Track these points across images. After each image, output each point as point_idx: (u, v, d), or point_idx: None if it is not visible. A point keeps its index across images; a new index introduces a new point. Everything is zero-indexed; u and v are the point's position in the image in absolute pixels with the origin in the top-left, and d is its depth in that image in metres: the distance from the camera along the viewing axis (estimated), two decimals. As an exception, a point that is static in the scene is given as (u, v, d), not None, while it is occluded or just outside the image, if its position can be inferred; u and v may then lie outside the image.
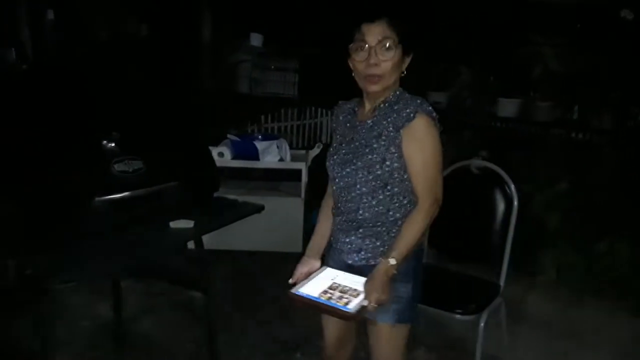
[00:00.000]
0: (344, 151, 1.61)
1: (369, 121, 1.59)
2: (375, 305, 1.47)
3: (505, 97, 4.62)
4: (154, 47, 5.28)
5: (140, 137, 1.74)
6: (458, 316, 2.22)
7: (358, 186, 1.57)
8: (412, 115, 1.50)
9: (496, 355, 2.63)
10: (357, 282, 1.58)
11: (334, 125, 1.73)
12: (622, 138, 3.91)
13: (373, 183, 1.55)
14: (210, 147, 3.54)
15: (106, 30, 5.40)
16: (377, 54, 1.49)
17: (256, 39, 5.54)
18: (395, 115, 1.53)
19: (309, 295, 1.53)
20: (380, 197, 1.57)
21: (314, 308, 1.55)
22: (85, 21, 5.17)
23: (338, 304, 1.47)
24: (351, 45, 1.53)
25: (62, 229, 1.45)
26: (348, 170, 1.58)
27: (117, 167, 1.60)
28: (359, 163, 1.55)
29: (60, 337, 2.55)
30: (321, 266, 1.71)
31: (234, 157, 3.56)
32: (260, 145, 3.54)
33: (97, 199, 1.53)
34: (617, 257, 3.31)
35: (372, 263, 1.63)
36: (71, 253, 1.42)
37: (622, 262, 3.27)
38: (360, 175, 1.55)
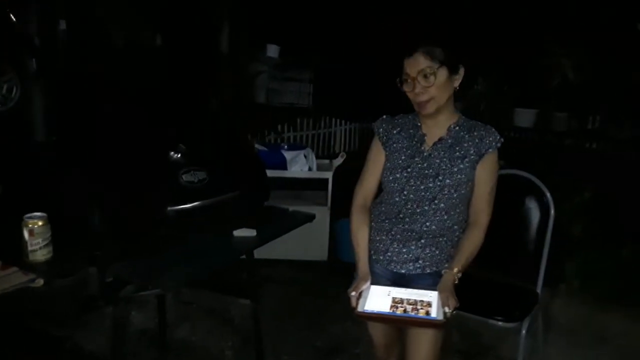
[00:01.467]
0: (420, 165, 1.66)
1: (448, 140, 1.67)
2: (454, 312, 1.53)
3: (522, 107, 4.69)
4: (175, 59, 5.34)
5: (202, 149, 1.79)
6: (500, 323, 2.25)
7: (436, 201, 1.64)
8: (494, 144, 1.66)
9: (530, 362, 2.68)
10: (416, 293, 1.60)
11: (385, 138, 1.75)
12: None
13: (454, 200, 1.65)
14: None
15: (123, 42, 5.47)
16: (420, 83, 1.59)
17: (273, 51, 5.62)
18: (477, 140, 1.65)
19: (383, 312, 1.54)
20: (452, 213, 1.67)
21: (392, 322, 1.64)
22: (105, 32, 5.23)
23: (420, 314, 1.51)
24: (398, 79, 1.64)
25: (140, 238, 1.50)
26: (431, 185, 1.64)
27: (185, 177, 1.65)
28: (447, 180, 1.63)
29: (103, 345, 2.60)
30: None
31: (262, 167, 3.60)
32: (288, 155, 3.59)
33: (169, 208, 1.58)
34: (640, 265, 3.37)
35: (428, 271, 1.71)
36: (149, 261, 1.47)
37: (645, 270, 3.33)
38: (446, 191, 1.63)
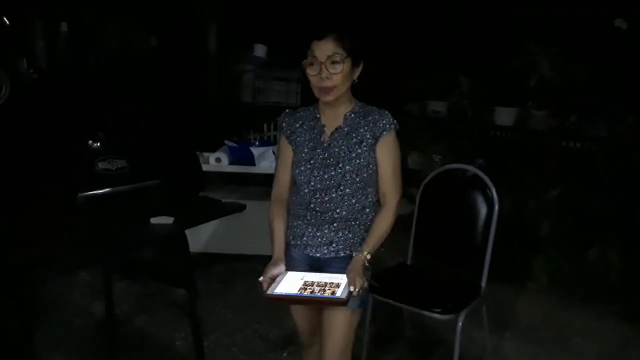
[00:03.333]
0: (321, 156, 1.71)
1: (344, 128, 1.71)
2: (360, 291, 1.56)
3: (502, 106, 4.67)
4: (161, 57, 5.44)
5: (126, 138, 1.84)
6: (437, 315, 2.26)
7: (342, 187, 1.69)
8: (388, 126, 1.71)
9: (480, 356, 2.67)
10: (328, 277, 1.65)
11: (288, 132, 1.78)
12: (617, 146, 3.93)
13: (358, 185, 1.69)
14: (209, 153, 3.66)
15: (114, 41, 5.59)
16: (328, 68, 1.61)
17: (260, 50, 5.67)
18: (372, 125, 1.70)
19: (290, 294, 1.58)
20: (360, 196, 1.71)
21: (299, 302, 1.68)
22: (94, 33, 5.36)
23: (325, 294, 1.55)
24: (304, 61, 1.65)
25: (47, 222, 1.55)
26: (333, 173, 1.69)
27: (101, 165, 1.71)
28: (347, 167, 1.68)
29: (56, 334, 2.66)
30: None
31: (231, 163, 3.65)
32: (256, 151, 3.63)
33: (80, 194, 1.63)
34: (608, 264, 3.33)
35: (342, 255, 1.75)
36: (54, 245, 1.52)
37: (612, 269, 3.29)
38: (348, 177, 1.68)
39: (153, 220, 1.77)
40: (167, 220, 1.79)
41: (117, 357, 2.58)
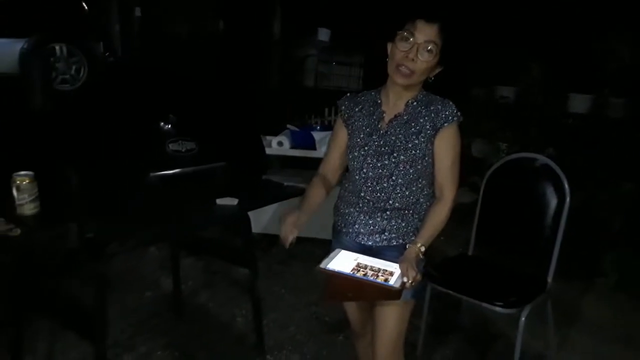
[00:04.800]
0: (377, 143, 1.66)
1: (404, 116, 1.66)
2: (414, 283, 1.52)
3: (577, 92, 4.44)
4: (227, 42, 5.55)
5: (196, 121, 1.91)
6: (498, 309, 2.20)
7: (394, 177, 1.64)
8: (450, 118, 1.63)
9: (542, 353, 2.59)
10: (383, 263, 1.60)
11: (346, 116, 1.74)
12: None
13: (411, 176, 1.64)
14: (271, 137, 3.72)
15: (184, 26, 5.77)
16: (418, 52, 1.55)
17: (324, 34, 5.67)
18: (433, 115, 1.63)
19: (343, 272, 1.54)
20: (413, 188, 1.66)
21: (351, 284, 1.56)
22: (165, 17, 5.55)
23: (379, 280, 1.51)
24: (399, 32, 1.58)
25: (120, 199, 1.64)
26: (386, 162, 1.64)
27: (172, 146, 1.78)
28: (402, 157, 1.63)
29: (127, 305, 2.83)
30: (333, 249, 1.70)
31: (293, 147, 3.69)
32: (317, 135, 3.65)
33: (151, 174, 1.71)
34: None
35: (394, 244, 1.70)
36: (127, 221, 1.60)
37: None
38: (402, 167, 1.63)
39: (219, 201, 1.84)
40: (232, 201, 1.84)
41: (181, 330, 2.70)
